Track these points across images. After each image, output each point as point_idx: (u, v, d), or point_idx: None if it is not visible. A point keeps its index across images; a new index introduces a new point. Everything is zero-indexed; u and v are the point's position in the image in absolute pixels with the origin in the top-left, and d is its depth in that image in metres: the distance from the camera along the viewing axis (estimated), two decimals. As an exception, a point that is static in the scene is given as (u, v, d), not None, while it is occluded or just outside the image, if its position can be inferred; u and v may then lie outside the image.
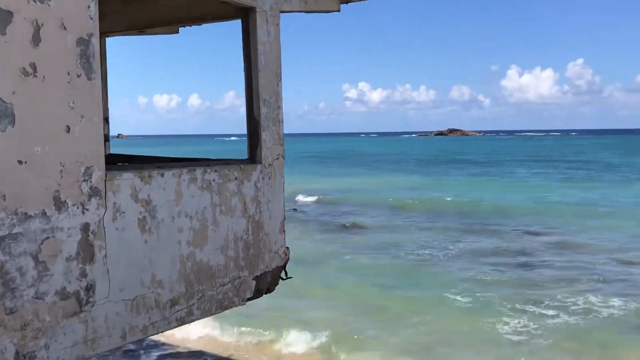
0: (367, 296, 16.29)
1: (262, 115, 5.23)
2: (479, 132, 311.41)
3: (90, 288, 3.65)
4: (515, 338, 13.43)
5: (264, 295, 5.27)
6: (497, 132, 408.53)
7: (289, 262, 5.54)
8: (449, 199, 35.91)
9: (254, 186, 5.12)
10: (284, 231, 5.56)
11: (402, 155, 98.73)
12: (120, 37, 6.97)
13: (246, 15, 5.17)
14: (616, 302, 15.24)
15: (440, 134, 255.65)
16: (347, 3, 6.19)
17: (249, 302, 5.11)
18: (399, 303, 15.63)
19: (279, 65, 5.41)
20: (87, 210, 3.61)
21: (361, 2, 6.28)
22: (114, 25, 6.48)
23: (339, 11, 6.15)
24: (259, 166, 5.20)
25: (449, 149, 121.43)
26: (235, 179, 4.91)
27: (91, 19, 3.64)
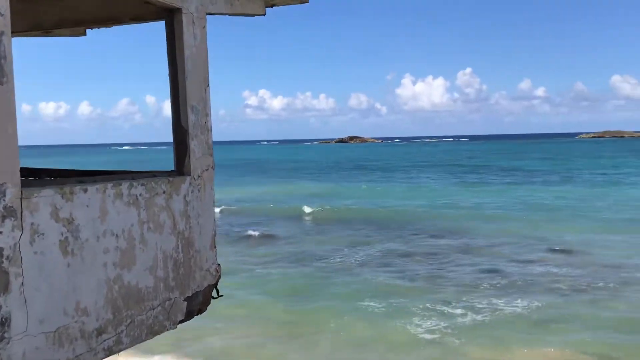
0: (276, 311, 15.73)
1: (190, 124, 4.88)
2: (378, 138, 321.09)
3: (4, 322, 3.18)
4: (429, 337, 13.79)
5: (195, 316, 4.91)
6: (394, 139, 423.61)
7: (220, 279, 5.21)
8: (355, 206, 36.43)
9: (183, 200, 4.76)
10: (215, 247, 5.22)
11: (305, 162, 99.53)
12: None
13: (171, 17, 4.82)
14: (518, 300, 16.08)
15: (341, 141, 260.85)
16: (272, 7, 5.99)
17: (180, 325, 4.73)
18: (310, 314, 15.54)
19: (206, 69, 5.09)
20: (0, 233, 3.14)
21: (285, 5, 6.10)
22: (14, 25, 5.84)
23: (264, 15, 5.94)
24: (187, 178, 4.84)
25: (350, 156, 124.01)
26: (164, 192, 4.53)
27: (1, 14, 3.19)
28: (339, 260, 21.72)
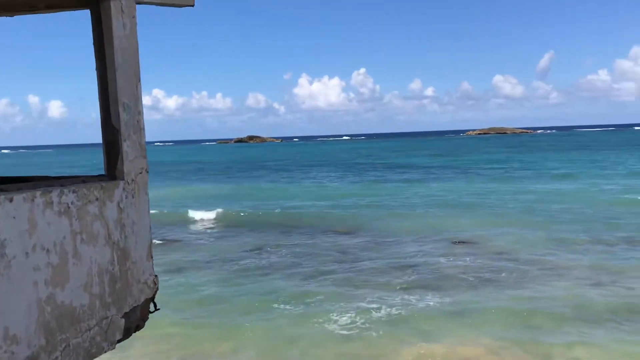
0: (185, 325, 14.47)
1: (122, 123, 4.43)
2: (277, 138, 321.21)
3: None
4: (347, 332, 13.85)
5: (133, 334, 4.48)
6: (293, 138, 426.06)
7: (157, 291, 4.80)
8: (258, 208, 35.95)
9: (117, 207, 4.31)
10: (152, 257, 4.80)
11: (204, 163, 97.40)
12: None
13: (97, 5, 4.35)
14: (429, 294, 16.57)
15: (240, 140, 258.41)
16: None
17: (118, 344, 4.29)
18: (223, 324, 14.97)
19: (137, 63, 4.65)
20: None
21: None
22: None
23: (192, 6, 5.55)
24: (121, 183, 4.39)
25: (250, 156, 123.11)
26: (97, 199, 4.07)
27: None
28: (247, 264, 21.24)
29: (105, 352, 4.13)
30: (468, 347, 12.57)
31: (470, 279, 17.90)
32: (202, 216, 32.71)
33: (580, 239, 22.64)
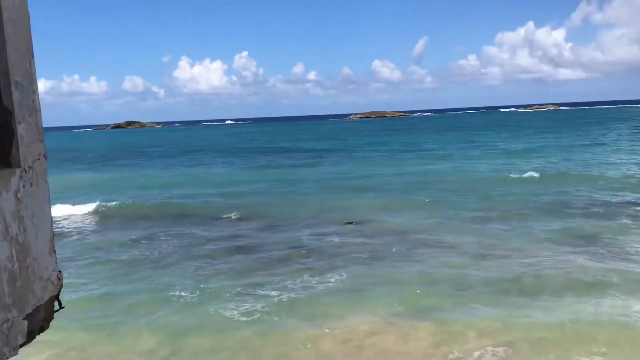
0: (75, 329, 13.93)
1: (15, 103, 3.92)
2: (158, 123, 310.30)
3: None
4: (246, 319, 13.75)
5: (37, 336, 4.06)
6: (174, 123, 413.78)
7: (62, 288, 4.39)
8: (142, 198, 34.53)
9: (14, 197, 3.83)
10: (55, 251, 4.35)
11: (79, 151, 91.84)
12: None
13: (-20, -31, 3.82)
14: (327, 274, 16.87)
15: (117, 126, 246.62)
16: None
17: (22, 348, 3.86)
18: (118, 317, 14.32)
19: (29, 37, 4.14)
20: None
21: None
22: None
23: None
24: (17, 171, 3.89)
25: (129, 142, 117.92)
26: (-10, 189, 3.60)
27: None
28: (136, 257, 20.22)
29: (7, 358, 3.71)
30: (367, 323, 12.97)
31: (364, 257, 18.47)
32: (82, 209, 30.54)
33: (461, 216, 24.07)
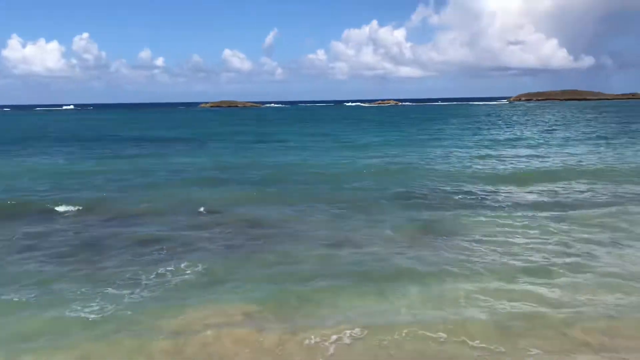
0: None
1: None
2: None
3: None
4: (94, 317, 12.98)
5: None
6: (4, 107, 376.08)
7: None
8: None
9: None
10: None
11: None
12: None
13: None
14: (183, 265, 16.42)
15: None
16: None
17: None
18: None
19: None
20: None
21: None
22: None
23: None
24: None
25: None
26: None
27: None
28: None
29: None
30: (223, 314, 12.90)
31: (220, 248, 18.26)
32: None
33: (314, 207, 24.67)
